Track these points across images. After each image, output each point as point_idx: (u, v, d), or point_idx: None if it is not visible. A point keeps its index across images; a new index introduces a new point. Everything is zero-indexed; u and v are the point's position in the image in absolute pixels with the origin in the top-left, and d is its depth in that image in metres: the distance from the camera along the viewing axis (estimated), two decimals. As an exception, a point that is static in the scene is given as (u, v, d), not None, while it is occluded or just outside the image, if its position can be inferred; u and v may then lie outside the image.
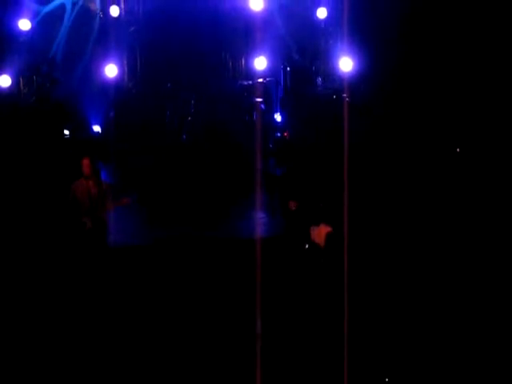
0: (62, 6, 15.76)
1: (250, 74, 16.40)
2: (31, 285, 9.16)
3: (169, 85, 16.08)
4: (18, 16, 15.15)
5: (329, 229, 8.96)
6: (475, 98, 13.93)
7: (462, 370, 7.00)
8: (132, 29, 16.53)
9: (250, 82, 16.13)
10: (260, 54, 15.98)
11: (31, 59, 15.50)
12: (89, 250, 9.24)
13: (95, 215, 9.28)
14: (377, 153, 13.10)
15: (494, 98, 13.79)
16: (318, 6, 16.48)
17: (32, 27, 15.32)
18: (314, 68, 16.21)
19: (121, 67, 16.22)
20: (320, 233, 8.88)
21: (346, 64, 15.36)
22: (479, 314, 8.00)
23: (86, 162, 9.47)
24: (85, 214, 9.29)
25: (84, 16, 15.99)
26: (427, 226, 10.50)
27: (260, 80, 15.80)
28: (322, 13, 16.52)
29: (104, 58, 15.74)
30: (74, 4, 15.84)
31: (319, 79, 15.99)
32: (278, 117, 15.96)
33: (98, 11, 15.98)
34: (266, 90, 15.47)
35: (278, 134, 15.51)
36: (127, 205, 9.78)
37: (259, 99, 15.66)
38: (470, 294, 8.48)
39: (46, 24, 15.60)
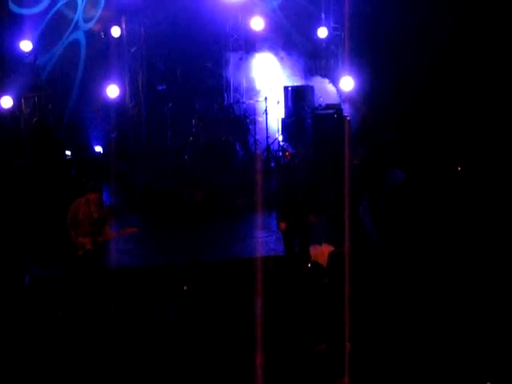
0: (63, 27, 15.86)
1: (251, 93, 16.47)
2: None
3: (170, 105, 16.11)
4: (19, 37, 15.24)
5: (331, 248, 8.93)
6: (476, 116, 13.94)
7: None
8: (133, 49, 16.62)
9: (251, 102, 16.16)
10: (261, 74, 16.09)
11: (32, 80, 15.59)
12: (85, 272, 9.09)
13: (95, 238, 9.08)
14: (379, 170, 13.08)
15: (496, 115, 13.79)
16: (319, 25, 16.59)
17: (33, 48, 15.40)
18: (314, 87, 16.25)
19: (122, 88, 16.28)
20: (322, 252, 8.85)
21: (346, 83, 15.42)
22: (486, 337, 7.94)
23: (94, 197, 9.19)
24: (84, 236, 9.10)
25: (86, 36, 16.08)
26: (430, 245, 10.45)
27: (260, 99, 15.82)
28: (322, 32, 16.61)
29: (105, 78, 15.82)
30: (75, 24, 15.93)
31: (320, 98, 16.02)
32: (279, 136, 15.97)
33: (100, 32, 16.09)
34: (266, 109, 15.49)
35: (280, 154, 15.50)
36: (132, 234, 9.64)
37: (260, 118, 15.68)
38: (474, 319, 8.42)
39: (46, 45, 15.68)
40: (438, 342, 7.68)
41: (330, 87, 16.41)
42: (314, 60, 16.85)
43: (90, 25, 15.98)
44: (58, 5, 15.75)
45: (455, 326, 8.09)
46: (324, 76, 16.70)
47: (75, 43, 15.99)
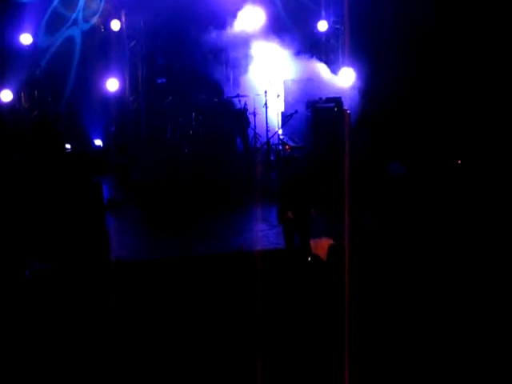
0: (63, 21, 15.83)
1: (251, 86, 16.42)
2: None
3: (170, 98, 16.09)
4: (20, 31, 15.22)
5: (331, 241, 8.90)
6: (474, 109, 13.95)
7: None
8: (133, 43, 16.58)
9: (251, 95, 16.10)
10: (260, 67, 16.04)
11: (32, 74, 15.57)
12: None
13: None
14: (379, 163, 13.09)
15: (493, 110, 13.80)
16: (319, 18, 16.58)
17: (33, 41, 15.39)
18: (314, 80, 16.20)
19: (122, 81, 16.26)
20: (322, 245, 8.83)
21: (346, 76, 15.39)
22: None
23: None
24: None
25: (86, 30, 16.06)
26: (429, 238, 10.46)
27: (260, 93, 15.77)
28: (322, 26, 16.60)
29: (105, 72, 15.81)
30: (75, 19, 15.91)
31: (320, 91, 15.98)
32: (279, 129, 15.94)
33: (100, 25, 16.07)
34: (266, 102, 15.45)
35: (280, 147, 15.47)
36: None
37: (259, 112, 15.62)
38: (474, 313, 8.43)
39: (46, 39, 15.66)
40: (438, 338, 7.69)
41: (331, 80, 16.36)
42: (314, 53, 16.79)
43: (93, 21, 15.98)
44: (58, -1, 15.78)
45: (455, 320, 8.10)
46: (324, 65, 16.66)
47: (75, 37, 15.97)
